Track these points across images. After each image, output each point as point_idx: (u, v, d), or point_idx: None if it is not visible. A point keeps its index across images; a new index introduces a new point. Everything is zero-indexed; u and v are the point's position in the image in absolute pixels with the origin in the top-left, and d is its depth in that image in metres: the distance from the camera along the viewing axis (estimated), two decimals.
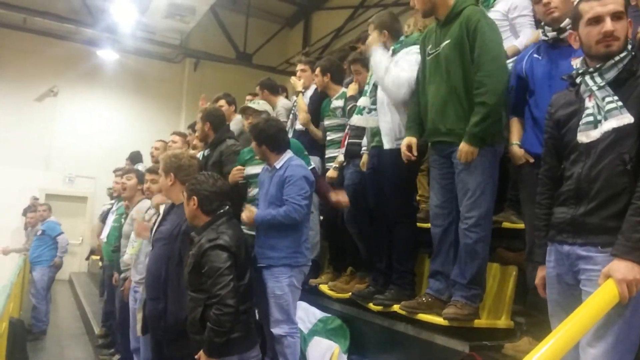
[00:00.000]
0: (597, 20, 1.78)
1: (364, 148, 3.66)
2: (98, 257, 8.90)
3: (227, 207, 2.92)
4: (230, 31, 12.03)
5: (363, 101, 3.42)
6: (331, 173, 3.99)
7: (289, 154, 3.27)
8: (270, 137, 3.22)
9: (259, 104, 4.02)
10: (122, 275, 4.66)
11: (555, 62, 2.50)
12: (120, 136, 11.70)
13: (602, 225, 1.72)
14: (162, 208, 3.75)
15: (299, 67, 4.70)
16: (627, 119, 1.70)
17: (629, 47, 1.77)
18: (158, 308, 2.99)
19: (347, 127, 3.87)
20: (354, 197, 3.60)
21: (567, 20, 2.40)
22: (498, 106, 2.56)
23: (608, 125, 1.73)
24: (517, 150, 2.64)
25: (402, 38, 3.31)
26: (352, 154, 3.77)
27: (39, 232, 7.70)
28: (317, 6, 12.06)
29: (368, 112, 3.35)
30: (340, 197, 3.50)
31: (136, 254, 3.94)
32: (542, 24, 2.61)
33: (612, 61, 1.76)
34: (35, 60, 11.46)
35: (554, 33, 2.51)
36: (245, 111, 4.02)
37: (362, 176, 3.59)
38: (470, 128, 2.58)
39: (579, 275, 1.77)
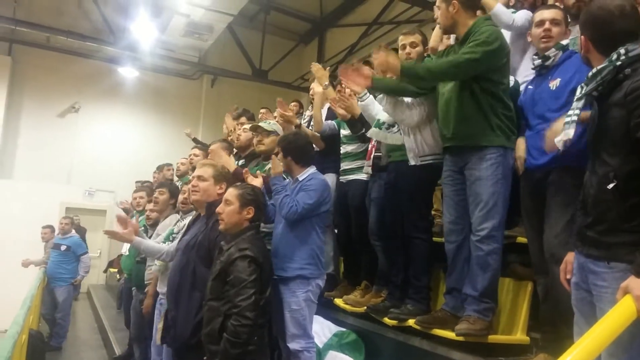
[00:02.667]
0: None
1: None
2: (116, 270, 9.03)
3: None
4: (247, 48, 12.23)
5: (383, 116, 3.41)
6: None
7: (313, 168, 3.33)
8: (297, 148, 3.28)
9: (269, 124, 4.08)
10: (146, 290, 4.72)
11: (538, 86, 2.66)
12: (139, 151, 11.92)
13: (598, 239, 1.73)
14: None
15: (315, 67, 4.73)
16: (566, 135, 1.78)
17: (614, 56, 1.71)
18: (170, 316, 3.02)
19: (372, 140, 3.85)
20: (380, 211, 3.60)
21: (552, 50, 2.60)
22: (424, 78, 2.82)
23: (558, 137, 1.82)
24: (517, 163, 2.71)
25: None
26: (379, 167, 3.71)
27: (63, 248, 7.69)
28: (332, 23, 12.22)
29: (387, 129, 3.36)
30: (255, 180, 3.40)
31: (165, 266, 3.98)
32: (533, 55, 2.73)
33: (592, 71, 1.76)
34: (58, 77, 11.76)
35: (540, 61, 2.65)
36: (256, 129, 4.09)
37: (385, 191, 3.54)
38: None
39: (592, 290, 1.78)
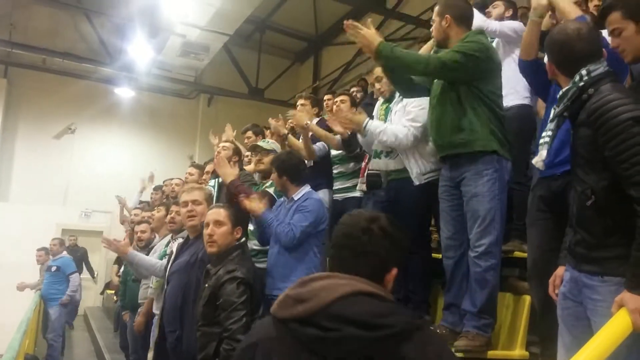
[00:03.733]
0: None
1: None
2: (113, 292, 8.95)
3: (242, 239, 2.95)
4: (243, 67, 12.31)
5: (379, 145, 3.40)
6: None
7: (307, 187, 3.34)
8: (291, 167, 3.30)
9: (268, 143, 4.11)
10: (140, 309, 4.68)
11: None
12: (136, 171, 11.81)
13: (587, 255, 1.76)
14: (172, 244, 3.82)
15: (300, 101, 4.80)
16: (540, 157, 1.85)
17: (576, 78, 1.76)
18: (174, 337, 2.99)
19: (366, 157, 3.87)
20: None
21: None
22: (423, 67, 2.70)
23: (536, 158, 1.89)
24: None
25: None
26: (373, 185, 3.73)
27: (53, 269, 7.66)
28: (327, 42, 12.33)
29: (386, 156, 3.36)
30: (254, 204, 3.22)
31: (160, 287, 3.95)
32: None
33: (559, 94, 1.83)
34: (53, 98, 11.77)
35: None
36: (255, 149, 4.11)
37: (384, 208, 3.53)
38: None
39: (586, 304, 1.78)
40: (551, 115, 1.86)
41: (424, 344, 1.16)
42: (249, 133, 5.26)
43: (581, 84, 1.75)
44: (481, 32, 2.98)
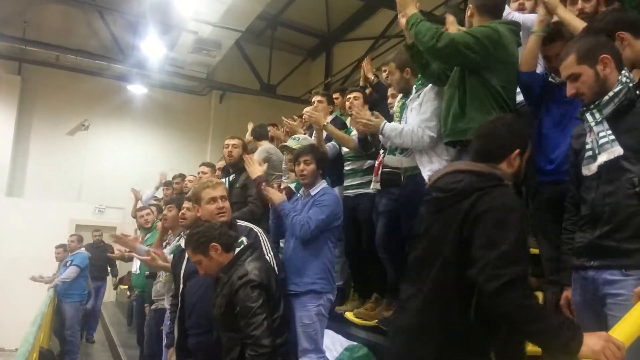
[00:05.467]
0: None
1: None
2: (126, 287, 9.00)
3: (241, 239, 2.88)
4: (255, 64, 12.31)
5: None
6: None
7: (324, 183, 3.35)
8: (325, 162, 3.37)
9: (299, 140, 4.09)
10: (153, 306, 4.70)
11: None
12: (149, 167, 11.94)
13: (617, 247, 1.74)
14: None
15: (316, 98, 4.76)
16: (617, 151, 1.78)
17: (624, 79, 1.84)
18: (200, 338, 2.94)
19: (379, 156, 3.86)
20: (389, 224, 3.58)
21: None
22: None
23: (601, 159, 1.82)
24: None
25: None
26: (387, 183, 3.69)
27: (68, 263, 7.57)
28: (339, 38, 12.29)
29: (400, 153, 3.34)
30: (274, 193, 3.35)
31: (170, 281, 3.97)
32: None
33: (607, 97, 1.83)
34: (67, 95, 11.89)
35: None
36: (285, 149, 4.13)
37: (398, 204, 3.53)
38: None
39: (605, 300, 1.77)
40: (599, 119, 1.85)
41: (477, 199, 1.66)
42: (204, 168, 5.50)
43: (630, 83, 1.84)
44: (506, 22, 2.87)
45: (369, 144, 3.87)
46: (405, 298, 1.83)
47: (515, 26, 2.70)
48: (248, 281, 2.56)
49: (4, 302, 9.68)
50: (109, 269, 9.52)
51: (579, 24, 2.41)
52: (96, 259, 8.55)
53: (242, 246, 2.81)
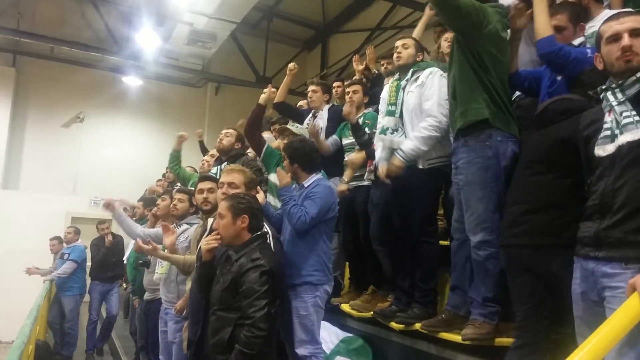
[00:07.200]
0: (615, 38, 1.84)
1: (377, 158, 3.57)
2: (122, 279, 8.98)
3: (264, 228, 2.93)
4: (250, 55, 12.26)
5: (387, 121, 3.40)
6: (341, 187, 3.98)
7: (318, 174, 3.34)
8: (303, 155, 3.30)
9: (297, 128, 4.13)
10: (146, 296, 4.71)
11: None
12: (145, 159, 11.93)
13: (623, 239, 1.71)
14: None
15: (311, 87, 4.79)
16: (630, 136, 1.73)
17: None
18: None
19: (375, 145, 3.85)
20: (383, 216, 3.60)
21: None
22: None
23: (623, 138, 1.75)
24: None
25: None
26: None
27: (66, 256, 7.54)
28: (335, 29, 12.24)
29: (391, 133, 3.35)
30: (282, 174, 3.35)
31: (166, 272, 3.96)
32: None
33: (633, 77, 1.77)
34: (62, 87, 11.80)
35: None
36: (284, 132, 4.15)
37: (392, 195, 3.54)
38: None
39: (603, 293, 1.76)
40: (621, 99, 1.78)
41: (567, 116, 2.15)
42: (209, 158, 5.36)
43: None
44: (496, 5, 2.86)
45: (361, 129, 3.86)
46: None
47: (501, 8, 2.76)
48: (259, 265, 2.61)
49: None
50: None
51: (546, 31, 2.53)
52: (106, 256, 7.75)
53: (252, 233, 2.83)
